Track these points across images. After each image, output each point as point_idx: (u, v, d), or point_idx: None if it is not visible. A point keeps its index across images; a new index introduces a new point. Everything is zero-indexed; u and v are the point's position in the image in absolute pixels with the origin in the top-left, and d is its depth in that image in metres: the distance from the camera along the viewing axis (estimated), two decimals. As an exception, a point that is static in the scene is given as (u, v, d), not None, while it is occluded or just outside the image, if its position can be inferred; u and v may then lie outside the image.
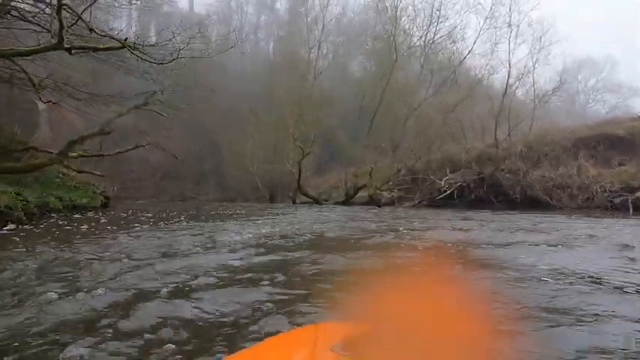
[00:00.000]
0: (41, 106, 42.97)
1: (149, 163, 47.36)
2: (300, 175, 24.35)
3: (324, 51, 32.54)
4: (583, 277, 3.27)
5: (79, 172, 13.62)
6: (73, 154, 12.43)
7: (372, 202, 22.10)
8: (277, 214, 13.32)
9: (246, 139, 37.54)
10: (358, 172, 24.03)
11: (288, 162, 26.34)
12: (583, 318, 2.18)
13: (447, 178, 20.97)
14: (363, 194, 24.13)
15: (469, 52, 25.23)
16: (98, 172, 15.06)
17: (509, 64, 23.20)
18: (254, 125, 36.05)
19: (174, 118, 50.42)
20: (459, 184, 19.83)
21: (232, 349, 1.56)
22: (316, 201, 25.68)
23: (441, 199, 19.76)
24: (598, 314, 2.25)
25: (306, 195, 25.94)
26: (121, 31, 18.63)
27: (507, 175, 18.61)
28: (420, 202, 20.81)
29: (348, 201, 24.19)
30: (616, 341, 1.79)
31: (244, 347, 1.43)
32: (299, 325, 1.77)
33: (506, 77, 22.83)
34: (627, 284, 3.02)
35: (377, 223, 9.55)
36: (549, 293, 2.72)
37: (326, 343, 1.06)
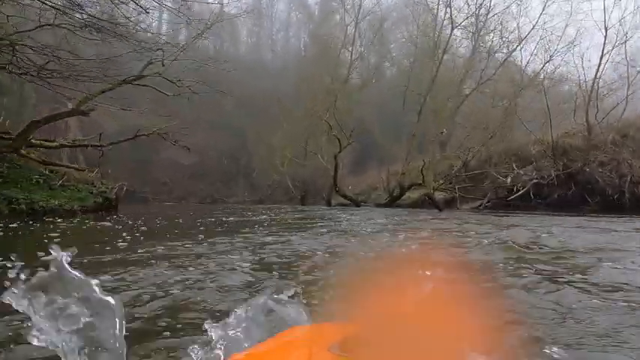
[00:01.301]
0: (70, 107, 40.70)
1: (180, 165, 45.48)
2: (336, 171, 20.68)
3: (359, 44, 28.90)
4: None
5: (51, 164, 10.50)
6: (35, 141, 9.30)
7: (425, 203, 18.26)
8: (324, 220, 9.79)
9: (276, 138, 34.44)
10: (405, 169, 20.23)
11: (322, 158, 22.71)
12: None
13: (516, 173, 16.95)
14: (410, 195, 20.35)
15: (533, 26, 21.01)
16: (78, 166, 11.93)
17: (606, 28, 18.16)
18: (284, 122, 33.04)
19: (204, 120, 48.48)
20: (534, 180, 15.79)
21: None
22: (355, 202, 22.03)
23: (513, 199, 15.79)
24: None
25: (344, 196, 22.27)
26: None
27: (602, 169, 14.43)
28: (487, 203, 16.84)
29: (393, 202, 20.44)
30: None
31: None
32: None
33: (602, 45, 17.51)
34: None
35: (485, 236, 5.88)
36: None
37: (323, 344, 1.01)
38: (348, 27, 26.94)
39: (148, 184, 43.12)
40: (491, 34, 21.91)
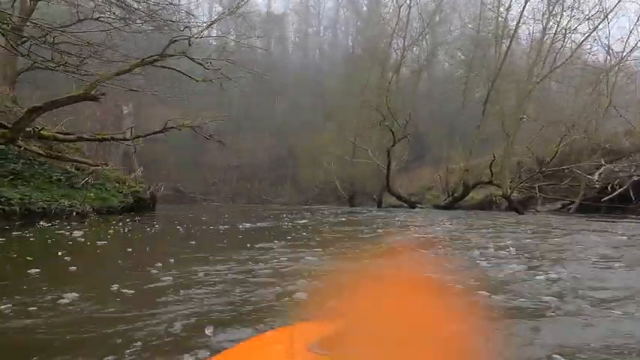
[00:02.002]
0: (125, 110, 40.72)
1: (229, 167, 45.10)
2: (389, 168, 18.27)
3: (409, 37, 26.26)
4: None
5: (55, 158, 9.09)
6: (46, 132, 7.87)
7: (492, 204, 15.56)
8: (391, 224, 7.72)
9: (322, 137, 32.62)
10: (468, 165, 17.54)
11: (373, 154, 20.41)
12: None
13: (605, 169, 13.90)
14: (473, 195, 17.66)
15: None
16: (91, 160, 10.48)
17: None
18: (332, 121, 31.16)
19: (252, 122, 47.74)
20: (634, 178, 12.71)
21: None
22: (409, 203, 19.60)
23: (606, 200, 12.80)
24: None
25: (398, 196, 19.88)
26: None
27: None
28: (571, 204, 13.91)
29: (454, 203, 17.83)
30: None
31: None
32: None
33: None
34: None
35: None
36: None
37: (304, 344, 1.02)
38: (399, 16, 24.52)
39: (198, 185, 42.95)
40: (567, 12, 18.66)
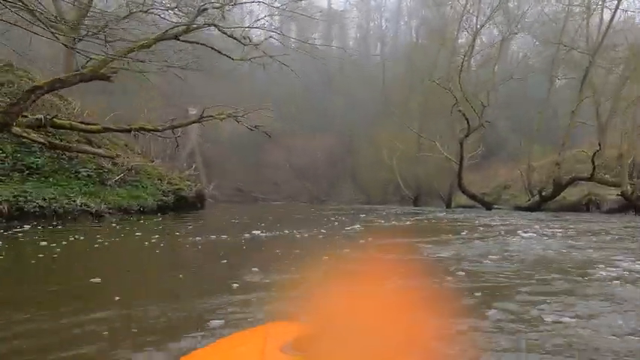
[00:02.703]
0: (191, 111, 40.95)
1: (290, 166, 44.30)
2: (462, 163, 15.53)
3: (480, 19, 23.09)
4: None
5: (60, 148, 7.78)
6: (61, 121, 6.59)
7: (589, 205, 12.48)
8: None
9: (384, 132, 30.26)
10: (560, 159, 14.41)
11: (442, 148, 17.76)
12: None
13: None
14: (565, 194, 14.55)
15: None
16: (103, 151, 9.11)
17: None
18: (394, 116, 28.75)
19: (312, 121, 46.46)
20: None
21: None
22: (484, 204, 16.82)
23: None
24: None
25: (471, 196, 17.11)
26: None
27: None
28: None
29: (541, 204, 14.83)
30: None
31: None
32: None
33: None
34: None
35: None
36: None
37: (276, 344, 1.01)
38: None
39: (258, 184, 42.47)
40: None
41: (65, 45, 15.60)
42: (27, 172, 7.70)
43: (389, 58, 45.39)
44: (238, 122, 10.51)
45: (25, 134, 6.47)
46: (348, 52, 47.11)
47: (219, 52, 9.56)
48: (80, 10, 16.47)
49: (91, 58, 15.34)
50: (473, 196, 17.03)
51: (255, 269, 2.81)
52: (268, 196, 41.20)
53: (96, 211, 7.08)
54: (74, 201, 6.99)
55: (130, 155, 13.00)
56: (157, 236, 4.83)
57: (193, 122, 10.36)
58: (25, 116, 7.09)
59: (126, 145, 14.83)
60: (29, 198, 6.02)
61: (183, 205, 12.39)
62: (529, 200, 16.24)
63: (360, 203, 34.03)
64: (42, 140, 6.86)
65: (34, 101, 6.54)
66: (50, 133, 9.28)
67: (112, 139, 13.44)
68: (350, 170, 41.34)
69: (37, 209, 6.00)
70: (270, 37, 10.42)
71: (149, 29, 18.44)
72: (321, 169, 43.26)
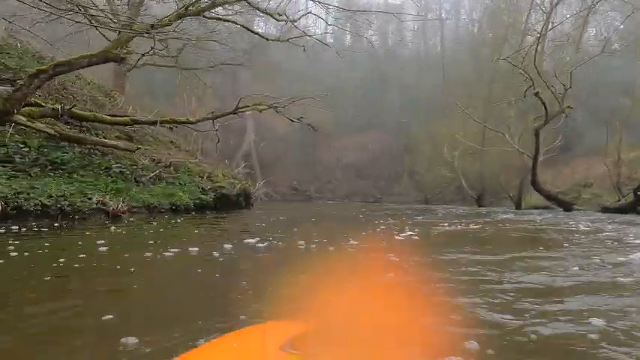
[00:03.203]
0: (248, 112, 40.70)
1: (345, 164, 43.12)
2: (536, 156, 13.14)
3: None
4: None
5: (69, 139, 6.97)
6: (80, 111, 5.80)
7: None
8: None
9: (444, 127, 28.03)
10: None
11: (512, 140, 15.48)
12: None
13: None
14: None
15: None
16: (119, 143, 8.17)
17: None
18: (456, 111, 26.54)
19: (368, 117, 44.88)
20: None
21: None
22: (563, 205, 14.42)
23: None
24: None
25: (547, 195, 14.72)
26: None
27: None
28: None
29: (637, 206, 12.28)
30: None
31: None
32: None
33: None
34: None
35: None
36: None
37: (275, 342, 1.00)
38: None
39: (314, 182, 41.66)
40: None
41: (124, 47, 15.59)
42: (50, 167, 7.11)
43: (449, 49, 42.67)
44: (278, 112, 9.41)
45: (29, 123, 5.79)
46: (406, 44, 44.93)
47: (250, 29, 8.52)
48: (132, 9, 16.37)
49: (143, 54, 14.94)
50: (549, 196, 14.67)
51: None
52: (323, 194, 40.28)
53: (112, 209, 6.26)
54: (89, 199, 6.23)
55: (173, 152, 12.46)
56: (118, 246, 3.76)
57: (229, 113, 9.40)
58: (42, 105, 6.45)
59: (171, 142, 14.40)
60: (32, 195, 5.27)
61: (226, 204, 11.55)
62: (619, 200, 13.66)
63: (418, 203, 32.00)
64: (50, 131, 6.15)
65: (39, 87, 5.85)
66: (83, 126, 8.76)
67: (155, 136, 13.00)
68: (407, 168, 39.28)
69: (39, 208, 5.22)
70: (309, 12, 9.20)
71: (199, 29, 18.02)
72: (377, 167, 41.61)
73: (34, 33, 8.36)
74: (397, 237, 4.66)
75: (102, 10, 7.39)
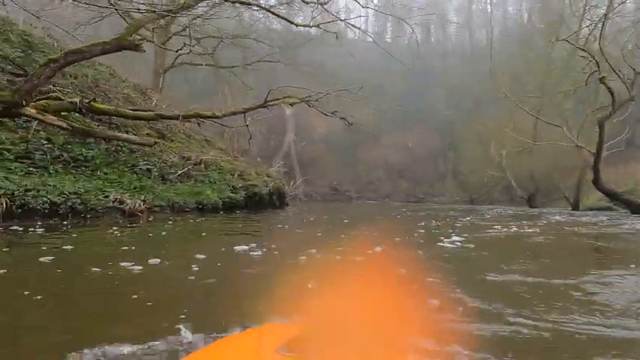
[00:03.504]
0: (288, 111, 40.69)
1: (386, 164, 41.88)
2: (599, 151, 11.52)
3: None
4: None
5: (81, 132, 6.53)
6: (101, 105, 5.41)
7: None
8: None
9: (492, 123, 26.37)
10: None
11: (570, 134, 13.91)
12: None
13: None
14: None
15: None
16: (140, 138, 7.66)
17: None
18: (503, 101, 24.80)
19: (410, 114, 43.44)
20: None
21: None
22: (631, 207, 12.77)
23: None
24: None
25: (611, 194, 13.06)
26: None
27: None
28: None
29: None
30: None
31: None
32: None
33: None
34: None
35: None
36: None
37: (271, 345, 0.99)
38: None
39: (354, 182, 40.69)
40: None
41: (160, 46, 15.59)
42: (73, 164, 6.84)
43: (497, 41, 40.43)
44: (310, 106, 8.76)
45: (39, 116, 5.47)
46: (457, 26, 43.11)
47: (274, 13, 7.90)
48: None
49: (179, 52, 14.69)
50: (613, 195, 13.02)
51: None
52: (363, 195, 39.24)
53: (129, 208, 5.85)
54: (107, 197, 5.85)
55: (206, 150, 12.14)
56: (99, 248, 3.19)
57: (258, 107, 8.85)
58: (60, 99, 6.16)
59: (206, 140, 14.14)
60: (41, 193, 4.92)
61: (257, 203, 11.06)
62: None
63: (463, 203, 30.37)
64: (61, 124, 5.82)
65: (51, 77, 5.52)
66: (113, 123, 8.53)
67: (189, 134, 12.75)
68: (451, 167, 37.52)
69: (47, 206, 4.85)
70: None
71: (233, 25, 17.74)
72: (420, 166, 40.09)
73: (70, 32, 8.21)
74: (439, 244, 3.84)
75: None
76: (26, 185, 4.94)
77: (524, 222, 8.13)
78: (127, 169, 7.83)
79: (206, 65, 16.17)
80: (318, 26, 8.38)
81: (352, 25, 8.12)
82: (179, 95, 22.02)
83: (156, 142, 7.05)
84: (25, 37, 9.55)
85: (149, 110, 8.14)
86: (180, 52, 14.20)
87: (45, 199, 4.88)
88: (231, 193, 9.92)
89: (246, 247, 3.17)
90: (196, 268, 2.46)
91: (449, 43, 44.78)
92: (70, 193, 5.30)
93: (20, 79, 7.42)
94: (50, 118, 5.56)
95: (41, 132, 6.95)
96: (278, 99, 8.80)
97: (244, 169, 11.80)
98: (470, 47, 43.95)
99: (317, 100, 9.15)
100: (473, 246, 3.76)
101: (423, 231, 5.36)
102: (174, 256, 2.92)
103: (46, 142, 6.70)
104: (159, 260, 2.60)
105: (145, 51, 5.56)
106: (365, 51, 41.50)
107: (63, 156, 6.77)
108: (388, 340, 0.99)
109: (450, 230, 5.50)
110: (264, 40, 19.03)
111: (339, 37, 8.42)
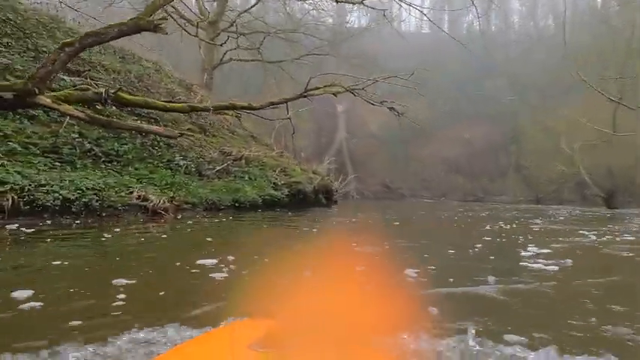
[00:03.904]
0: (339, 109, 40.08)
1: (441, 160, 39.67)
2: None
3: None
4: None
5: (98, 123, 5.93)
6: (129, 96, 4.88)
7: None
8: None
9: (562, 113, 23.81)
10: None
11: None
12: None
13: None
14: None
15: None
16: (157, 128, 6.92)
17: None
18: (581, 77, 22.26)
19: (468, 106, 40.85)
20: None
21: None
22: None
23: None
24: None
25: None
26: None
27: None
28: None
29: None
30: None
31: None
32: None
33: None
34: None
35: None
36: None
37: (243, 342, 0.96)
38: None
39: (407, 180, 38.84)
40: None
41: (209, 42, 15.42)
42: (104, 159, 6.47)
43: (569, 27, 36.84)
44: (355, 96, 7.85)
45: (55, 105, 5.03)
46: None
47: None
48: (219, 5, 16.12)
49: (226, 49, 14.30)
50: None
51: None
52: (417, 193, 37.34)
53: (153, 205, 5.30)
54: (131, 193, 5.34)
55: (252, 146, 11.60)
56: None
57: (297, 97, 8.08)
58: (87, 89, 5.76)
59: (252, 137, 13.64)
60: (54, 188, 4.46)
61: (301, 201, 10.32)
62: None
63: (527, 202, 27.80)
64: (78, 114, 5.36)
65: (67, 63, 5.07)
66: (152, 117, 8.16)
67: (232, 129, 12.28)
68: (514, 162, 34.67)
69: (59, 202, 4.38)
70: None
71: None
72: (479, 162, 37.45)
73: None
74: (522, 263, 2.77)
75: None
76: (40, 180, 4.50)
77: (612, 227, 6.66)
78: (161, 165, 7.38)
79: (253, 60, 15.71)
80: (361, 2, 7.44)
81: (409, 4, 7.03)
82: (230, 93, 21.94)
83: (181, 134, 6.49)
84: (72, 35, 9.50)
85: (182, 102, 7.63)
86: (224, 45, 13.87)
87: (57, 194, 4.40)
88: (273, 190, 9.25)
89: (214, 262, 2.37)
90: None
91: (511, 32, 41.54)
92: (87, 188, 4.82)
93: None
94: (66, 108, 5.13)
95: (75, 126, 6.66)
96: (319, 87, 7.95)
97: (288, 166, 11.12)
98: (536, 36, 40.49)
99: (363, 88, 8.19)
100: (570, 264, 2.67)
101: (489, 238, 4.26)
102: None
103: (77, 136, 6.37)
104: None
105: (167, 33, 4.99)
106: (419, 46, 39.61)
107: (94, 150, 6.41)
108: None
109: (522, 238, 4.35)
110: (314, 33, 18.32)
111: (386, 17, 7.42)
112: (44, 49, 7.97)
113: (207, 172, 8.11)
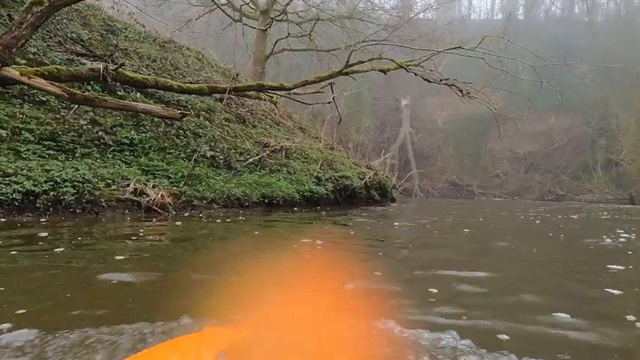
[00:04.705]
0: (403, 102, 38.05)
1: (515, 155, 35.85)
2: None
3: None
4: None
5: (91, 103, 4.81)
6: (134, 74, 3.89)
7: None
8: None
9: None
10: None
11: None
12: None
13: None
14: None
15: None
16: (165, 109, 5.62)
17: None
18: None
19: (546, 97, 36.53)
20: None
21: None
22: None
23: None
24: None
25: None
26: None
27: None
28: None
29: None
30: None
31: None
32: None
33: None
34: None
35: None
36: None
37: (210, 351, 0.92)
38: None
39: (478, 177, 35.48)
40: None
41: (263, 30, 14.59)
42: (114, 148, 5.61)
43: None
44: (416, 75, 6.29)
45: (25, 80, 4.12)
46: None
47: None
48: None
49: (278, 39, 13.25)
50: None
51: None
52: (488, 191, 33.99)
53: (147, 201, 4.26)
54: (127, 186, 4.35)
55: (298, 137, 10.42)
56: None
57: (337, 74, 6.70)
58: (82, 64, 4.89)
59: (300, 128, 12.47)
60: (19, 179, 3.55)
61: (350, 197, 8.94)
62: None
63: (618, 202, 23.82)
64: (54, 90, 4.40)
65: (37, 26, 4.14)
66: (181, 105, 7.26)
67: (277, 119, 11.18)
68: (602, 157, 30.17)
69: (19, 196, 3.44)
70: None
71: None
72: (559, 157, 33.27)
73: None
74: None
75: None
76: (7, 169, 3.60)
77: None
78: (184, 155, 6.41)
79: (305, 50, 14.56)
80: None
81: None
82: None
83: (184, 115, 5.38)
84: (109, 23, 8.93)
85: (199, 84, 6.60)
86: (276, 34, 12.89)
87: (19, 186, 3.48)
88: (315, 185, 7.97)
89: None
90: None
91: (599, 15, 36.43)
92: (64, 180, 3.86)
93: (81, 57, 6.56)
94: (39, 82, 4.22)
95: (89, 112, 5.89)
96: (362, 61, 6.49)
97: (336, 159, 9.78)
98: (628, 19, 35.11)
99: (419, 64, 6.60)
100: None
101: (620, 267, 2.60)
102: None
103: (84, 122, 5.57)
104: None
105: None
106: (493, 32, 36.14)
107: (103, 139, 5.57)
108: None
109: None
110: (371, 20, 16.77)
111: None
112: (73, 34, 7.39)
113: (236, 164, 7.04)
